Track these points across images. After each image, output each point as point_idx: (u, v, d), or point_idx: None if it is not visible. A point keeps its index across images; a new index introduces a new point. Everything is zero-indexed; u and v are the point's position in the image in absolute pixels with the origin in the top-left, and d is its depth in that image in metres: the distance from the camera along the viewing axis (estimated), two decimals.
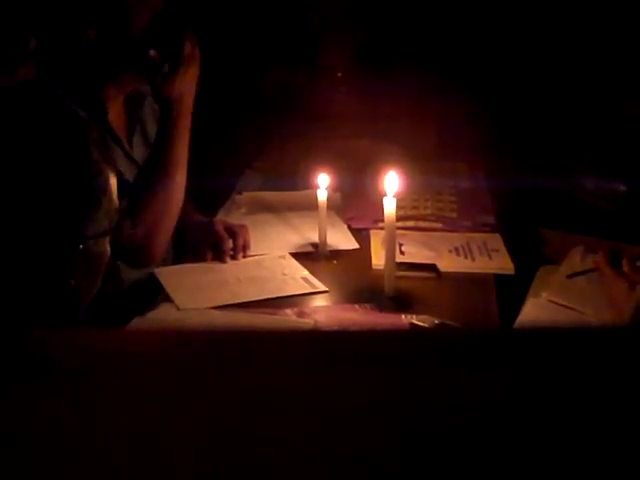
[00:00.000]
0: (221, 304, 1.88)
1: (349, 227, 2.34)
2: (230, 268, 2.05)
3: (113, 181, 1.43)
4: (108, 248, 1.28)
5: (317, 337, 0.76)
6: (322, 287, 1.97)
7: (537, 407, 0.68)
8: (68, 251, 1.14)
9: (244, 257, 2.10)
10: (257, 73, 3.20)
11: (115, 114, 1.98)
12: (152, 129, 2.12)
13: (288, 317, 1.81)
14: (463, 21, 3.19)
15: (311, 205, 2.24)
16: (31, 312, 1.14)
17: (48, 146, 1.27)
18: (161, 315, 1.82)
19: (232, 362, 0.69)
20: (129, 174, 2.00)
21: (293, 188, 2.61)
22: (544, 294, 1.87)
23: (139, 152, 2.05)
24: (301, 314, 1.83)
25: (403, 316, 1.79)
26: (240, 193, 2.62)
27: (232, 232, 2.15)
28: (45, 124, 1.36)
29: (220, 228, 2.14)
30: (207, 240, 2.11)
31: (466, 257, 2.13)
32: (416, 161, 2.63)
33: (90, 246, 1.26)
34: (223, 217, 2.35)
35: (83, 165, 1.24)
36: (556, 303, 1.84)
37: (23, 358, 0.67)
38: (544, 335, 0.75)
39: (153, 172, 1.92)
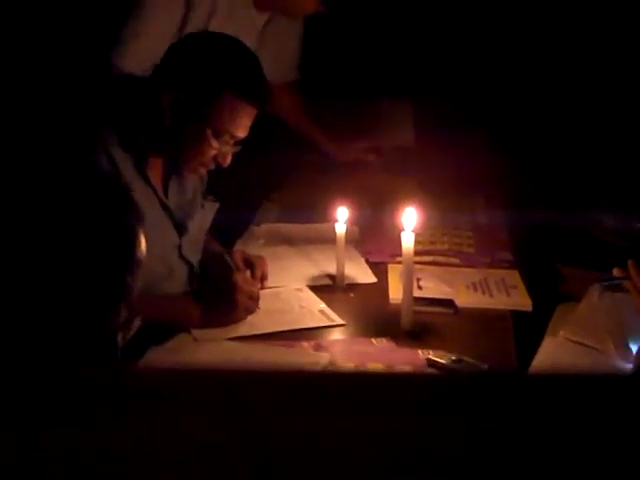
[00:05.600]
0: (238, 335, 1.88)
1: (367, 261, 2.34)
2: None
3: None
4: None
5: (336, 380, 0.76)
6: (339, 320, 1.96)
7: (555, 451, 0.67)
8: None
9: (262, 289, 2.09)
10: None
11: (153, 161, 1.98)
12: (190, 181, 2.11)
13: (305, 350, 1.81)
14: (482, 55, 3.20)
15: (329, 238, 2.25)
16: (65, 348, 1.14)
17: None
18: (177, 345, 1.82)
19: (246, 404, 0.69)
20: (161, 222, 2.01)
21: (311, 220, 2.62)
22: (562, 332, 1.86)
23: (174, 201, 2.04)
24: (318, 347, 1.82)
25: (420, 351, 1.79)
26: (258, 225, 2.63)
27: (250, 263, 2.16)
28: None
29: (238, 259, 2.14)
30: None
31: (484, 293, 2.12)
32: (433, 196, 2.63)
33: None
34: (241, 248, 2.35)
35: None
36: (574, 341, 1.83)
37: (72, 394, 0.68)
38: (561, 381, 0.74)
39: None
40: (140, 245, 1.16)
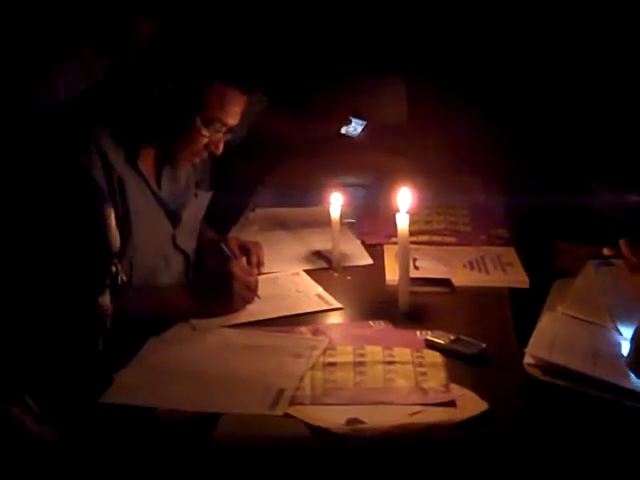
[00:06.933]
0: (236, 323, 1.88)
1: (363, 243, 2.33)
2: None
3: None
4: (108, 304, 1.25)
5: None
6: (336, 304, 1.96)
7: None
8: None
9: (258, 274, 2.09)
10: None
11: (145, 152, 1.97)
12: (183, 170, 2.09)
13: (303, 335, 1.81)
14: (479, 38, 3.18)
15: (324, 221, 2.24)
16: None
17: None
18: (176, 335, 1.82)
19: None
20: (154, 213, 2.00)
21: (305, 204, 2.61)
22: (560, 308, 1.86)
23: (167, 191, 2.04)
24: (316, 331, 1.82)
25: (418, 332, 1.79)
26: (252, 210, 2.62)
27: (246, 249, 2.15)
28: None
29: (233, 245, 2.14)
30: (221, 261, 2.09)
31: (480, 271, 2.12)
32: (428, 175, 2.62)
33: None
34: (236, 234, 2.34)
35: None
36: (572, 316, 1.83)
37: None
38: None
39: None
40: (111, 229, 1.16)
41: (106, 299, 1.18)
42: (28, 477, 1.05)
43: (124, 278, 1.23)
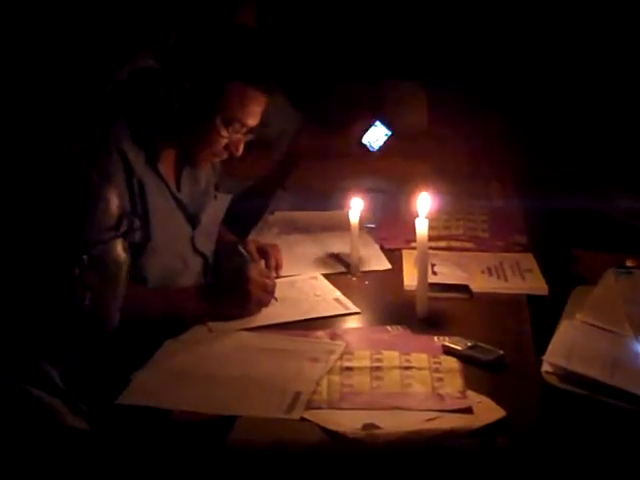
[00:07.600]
0: (253, 326, 1.88)
1: (381, 247, 2.33)
2: None
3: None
4: (122, 254, 1.24)
5: None
6: (354, 308, 1.96)
7: None
8: (71, 262, 1.13)
9: (276, 277, 2.09)
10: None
11: (165, 154, 1.99)
12: (203, 171, 2.10)
13: (320, 339, 1.81)
14: (499, 43, 3.17)
15: (343, 225, 2.24)
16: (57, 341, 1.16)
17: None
18: (193, 337, 1.82)
19: None
20: (174, 214, 2.01)
21: (325, 208, 2.61)
22: (579, 315, 1.84)
23: (186, 193, 2.05)
24: (333, 336, 1.82)
25: (435, 338, 1.78)
26: (272, 213, 2.62)
27: (264, 252, 2.16)
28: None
29: (252, 248, 2.14)
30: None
31: (499, 277, 2.12)
32: (448, 180, 2.62)
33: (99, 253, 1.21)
34: (255, 237, 2.35)
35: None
36: (591, 324, 1.82)
37: None
38: None
39: None
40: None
41: (119, 249, 1.20)
42: (60, 468, 1.05)
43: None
